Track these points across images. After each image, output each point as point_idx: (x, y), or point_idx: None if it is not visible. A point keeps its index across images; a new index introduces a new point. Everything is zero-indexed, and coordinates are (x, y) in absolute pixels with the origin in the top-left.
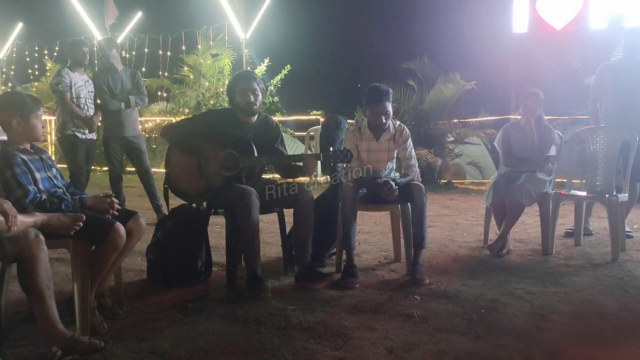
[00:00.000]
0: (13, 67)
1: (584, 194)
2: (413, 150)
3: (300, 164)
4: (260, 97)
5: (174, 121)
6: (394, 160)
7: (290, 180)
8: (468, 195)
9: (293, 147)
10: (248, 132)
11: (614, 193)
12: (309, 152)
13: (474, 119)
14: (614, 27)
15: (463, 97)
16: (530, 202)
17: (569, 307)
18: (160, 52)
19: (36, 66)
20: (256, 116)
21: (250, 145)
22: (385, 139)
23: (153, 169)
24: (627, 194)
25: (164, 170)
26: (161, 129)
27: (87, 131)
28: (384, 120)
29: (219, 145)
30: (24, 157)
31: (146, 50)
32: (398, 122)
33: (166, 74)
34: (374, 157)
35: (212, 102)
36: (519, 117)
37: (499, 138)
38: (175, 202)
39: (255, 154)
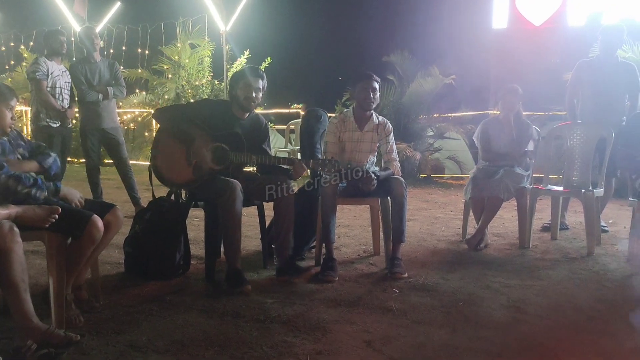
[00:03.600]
0: None
1: (560, 188)
2: (395, 145)
3: (288, 167)
4: (260, 96)
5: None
6: (376, 153)
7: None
8: (447, 189)
9: (274, 140)
10: (239, 127)
11: (590, 188)
12: (289, 145)
13: (453, 114)
14: (592, 24)
15: (442, 92)
16: (508, 197)
17: (545, 300)
18: (139, 43)
19: (12, 55)
20: (248, 113)
21: (242, 142)
22: (369, 130)
23: (131, 161)
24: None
25: (146, 164)
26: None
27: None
28: (372, 96)
29: (211, 137)
30: None
31: (125, 41)
32: (382, 117)
33: (145, 65)
34: (357, 147)
35: (190, 92)
36: (498, 112)
37: (477, 133)
38: (160, 192)
39: (246, 151)
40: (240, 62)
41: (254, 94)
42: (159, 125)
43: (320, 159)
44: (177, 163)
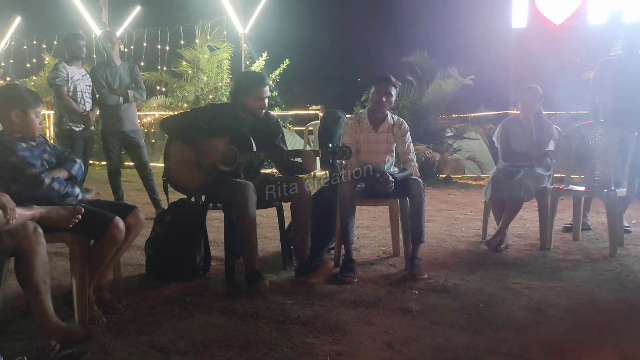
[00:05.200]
0: (11, 61)
1: (582, 189)
2: (412, 145)
3: (300, 160)
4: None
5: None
6: (393, 154)
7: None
8: (467, 190)
9: (292, 141)
10: (247, 127)
11: (612, 188)
12: (307, 147)
13: (472, 114)
14: (613, 22)
15: (462, 92)
16: (528, 197)
17: (567, 302)
18: (159, 46)
19: (34, 60)
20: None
21: (249, 141)
22: (384, 130)
23: (151, 164)
24: (625, 189)
25: (163, 165)
26: (160, 122)
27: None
28: (384, 100)
29: (218, 140)
30: (24, 144)
31: (145, 44)
32: (397, 117)
33: (165, 68)
34: (372, 148)
35: (210, 96)
36: (518, 112)
37: (497, 133)
38: (175, 195)
39: (254, 149)
40: (259, 64)
41: (266, 103)
42: (167, 137)
43: (330, 147)
44: (190, 169)
